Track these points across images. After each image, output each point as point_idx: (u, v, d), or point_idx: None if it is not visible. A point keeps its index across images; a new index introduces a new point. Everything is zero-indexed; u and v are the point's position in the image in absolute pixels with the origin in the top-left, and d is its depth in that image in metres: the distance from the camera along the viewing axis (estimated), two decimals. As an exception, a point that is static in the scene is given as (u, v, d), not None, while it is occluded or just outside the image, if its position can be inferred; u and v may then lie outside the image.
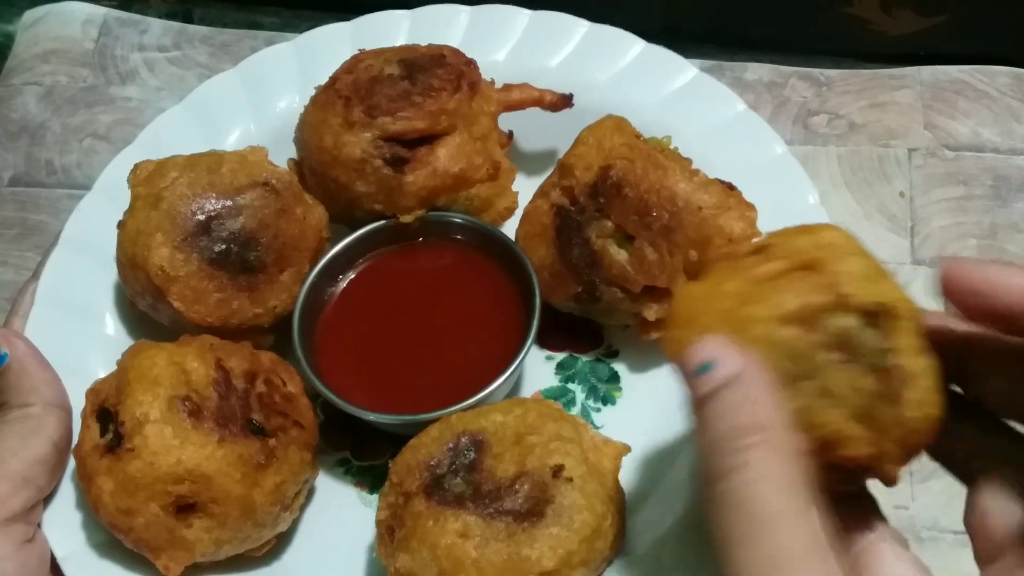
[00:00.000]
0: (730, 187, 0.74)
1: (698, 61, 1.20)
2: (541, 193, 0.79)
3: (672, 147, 0.78)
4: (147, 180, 0.79)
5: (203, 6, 1.29)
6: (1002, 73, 1.18)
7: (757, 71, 1.19)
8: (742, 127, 0.83)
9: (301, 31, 1.24)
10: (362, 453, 0.79)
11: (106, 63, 1.23)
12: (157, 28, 1.25)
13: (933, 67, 1.19)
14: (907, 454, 0.53)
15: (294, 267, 0.78)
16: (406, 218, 0.79)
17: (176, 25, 1.26)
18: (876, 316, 0.53)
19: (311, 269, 0.79)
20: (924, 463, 0.94)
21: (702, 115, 0.84)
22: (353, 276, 0.80)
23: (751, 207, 0.73)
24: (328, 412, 0.76)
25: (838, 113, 1.16)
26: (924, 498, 0.93)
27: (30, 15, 1.27)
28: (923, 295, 1.04)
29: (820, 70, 1.20)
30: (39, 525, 0.71)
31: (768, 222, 0.71)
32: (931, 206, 1.10)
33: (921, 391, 0.52)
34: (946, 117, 1.16)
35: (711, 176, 0.75)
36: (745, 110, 0.83)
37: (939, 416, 0.52)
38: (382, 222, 0.79)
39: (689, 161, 0.76)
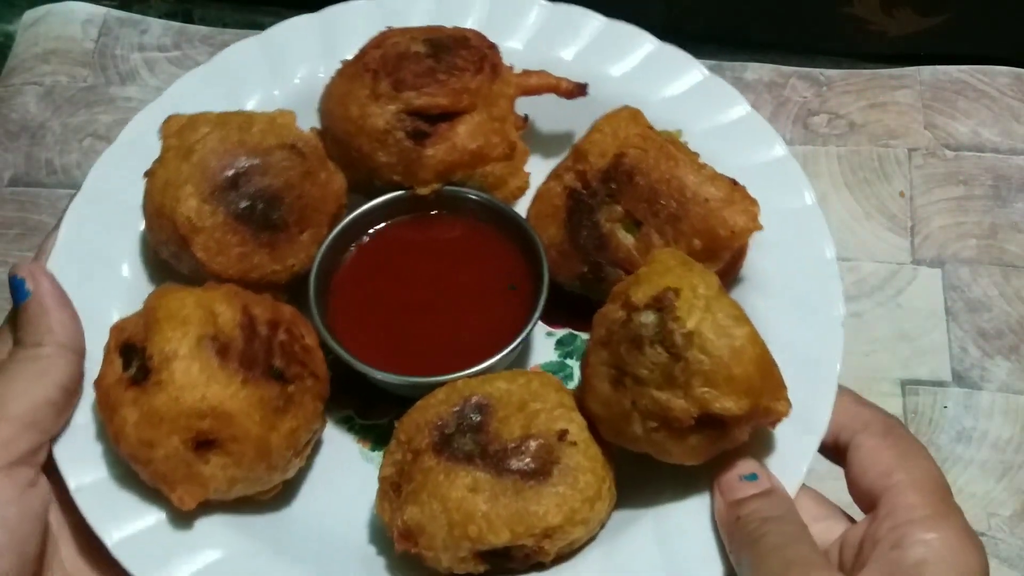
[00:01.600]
0: (735, 183, 0.77)
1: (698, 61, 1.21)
2: (555, 176, 0.82)
3: (683, 140, 0.81)
4: (178, 133, 0.80)
5: (203, 6, 1.29)
6: (1002, 73, 1.18)
7: (757, 71, 1.19)
8: (746, 127, 0.85)
9: (301, 31, 1.26)
10: (367, 412, 0.80)
11: (106, 63, 1.23)
12: (157, 28, 1.25)
13: (933, 67, 1.19)
14: (736, 392, 0.64)
15: (313, 228, 0.80)
16: (423, 190, 0.81)
17: (176, 25, 1.26)
18: (659, 306, 0.64)
19: (329, 231, 0.80)
20: (924, 463, 0.95)
21: (709, 114, 0.86)
22: (368, 241, 0.82)
23: (754, 202, 0.75)
24: (336, 370, 0.76)
25: (838, 113, 1.16)
26: (924, 498, 0.93)
27: (30, 15, 1.27)
28: (923, 295, 1.05)
29: (820, 70, 1.20)
30: (43, 468, 0.70)
31: (766, 220, 0.75)
32: (931, 206, 1.10)
33: (700, 339, 0.63)
34: (946, 117, 1.16)
35: (715, 167, 0.78)
36: (751, 112, 0.86)
37: (731, 346, 0.63)
38: (399, 192, 0.82)
39: (697, 155, 0.79)
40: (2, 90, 1.21)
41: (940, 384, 0.99)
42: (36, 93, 1.20)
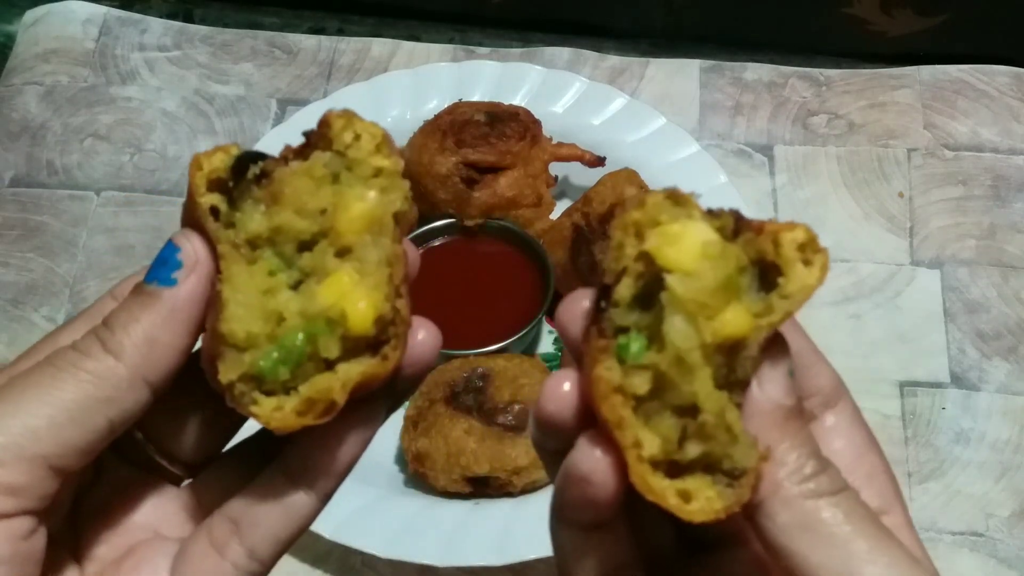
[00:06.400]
0: None
1: (698, 61, 1.21)
2: (567, 213, 1.05)
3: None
4: None
5: (203, 6, 1.30)
6: (1002, 73, 1.18)
7: (757, 71, 1.19)
8: (722, 194, 1.04)
9: (301, 31, 1.26)
10: None
11: (106, 63, 1.23)
12: (157, 28, 1.25)
13: (933, 67, 1.19)
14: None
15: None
16: (469, 222, 1.06)
17: (176, 25, 1.26)
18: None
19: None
20: (922, 464, 0.95)
21: (692, 182, 1.01)
22: (425, 249, 1.06)
23: None
24: None
25: (838, 113, 1.16)
26: (922, 499, 0.93)
27: (31, 15, 1.27)
28: (922, 296, 1.05)
29: (820, 70, 1.20)
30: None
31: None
32: (930, 206, 1.10)
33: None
34: (946, 117, 1.16)
35: None
36: (726, 182, 1.06)
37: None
38: (453, 220, 1.07)
39: None
40: (2, 90, 1.21)
41: (938, 385, 0.99)
42: (36, 93, 1.20)
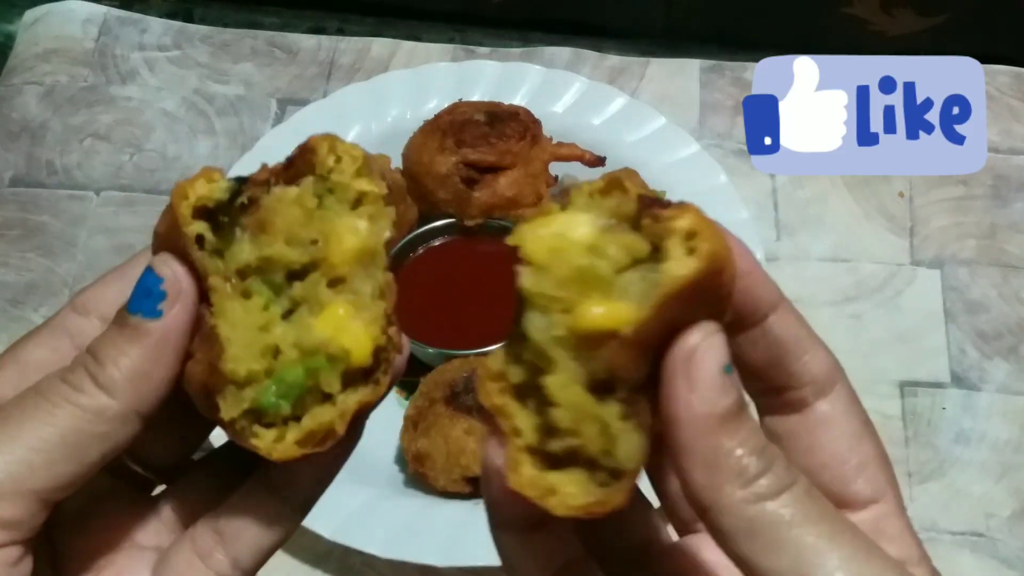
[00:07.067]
0: None
1: (698, 61, 1.21)
2: None
3: (666, 199, 0.97)
4: None
5: (203, 6, 1.30)
6: (1002, 73, 1.18)
7: (757, 71, 1.19)
8: (722, 194, 1.06)
9: (301, 31, 1.26)
10: (406, 371, 1.00)
11: (106, 62, 1.23)
12: (157, 27, 1.25)
13: (933, 67, 1.19)
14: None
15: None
16: (469, 222, 1.05)
17: (176, 24, 1.26)
18: None
19: (397, 242, 0.99)
20: (922, 464, 0.95)
21: (692, 182, 1.07)
22: (424, 252, 1.07)
23: None
24: None
25: (838, 113, 1.16)
26: (922, 499, 0.93)
27: (31, 14, 1.27)
28: (922, 296, 1.05)
29: (820, 70, 1.20)
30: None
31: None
32: (930, 206, 1.10)
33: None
34: (946, 117, 1.16)
35: None
36: (726, 182, 1.07)
37: None
38: (452, 220, 1.06)
39: None
40: (2, 90, 1.21)
41: (939, 385, 0.99)
42: (36, 93, 1.20)
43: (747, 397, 0.41)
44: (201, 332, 0.41)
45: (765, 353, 0.42)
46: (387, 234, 0.43)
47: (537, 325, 0.37)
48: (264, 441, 0.40)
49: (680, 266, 0.35)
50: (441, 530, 0.88)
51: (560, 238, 0.37)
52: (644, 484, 0.44)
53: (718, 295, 0.37)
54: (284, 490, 0.44)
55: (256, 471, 0.44)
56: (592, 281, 0.37)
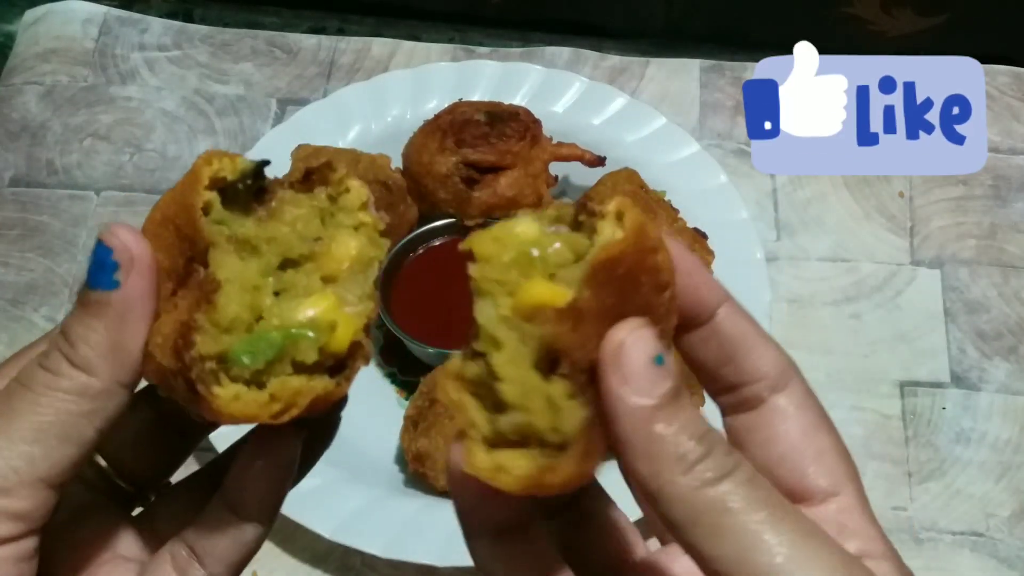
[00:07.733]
0: (703, 236, 0.98)
1: (698, 61, 1.21)
2: None
3: (667, 199, 1.03)
4: (305, 158, 0.96)
5: (203, 6, 1.30)
6: (1002, 73, 1.18)
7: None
8: (722, 194, 1.07)
9: (301, 31, 1.26)
10: (406, 371, 1.04)
11: (106, 62, 1.23)
12: (157, 27, 1.25)
13: (933, 67, 1.19)
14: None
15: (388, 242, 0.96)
16: (469, 221, 1.05)
17: (176, 24, 1.26)
18: None
19: (397, 242, 1.04)
20: (922, 464, 0.95)
21: (692, 182, 1.08)
22: (423, 253, 1.07)
23: (709, 252, 0.98)
24: (389, 339, 1.03)
25: (838, 113, 1.16)
26: (922, 499, 0.93)
27: (31, 14, 1.27)
28: (922, 296, 1.05)
29: (820, 70, 1.20)
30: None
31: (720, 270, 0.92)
32: (930, 206, 1.10)
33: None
34: (946, 117, 1.16)
35: (689, 223, 1.00)
36: (726, 182, 1.07)
37: None
38: (452, 220, 1.06)
39: (677, 211, 1.01)
40: (2, 90, 1.21)
41: (939, 385, 0.99)
42: (36, 93, 1.20)
43: (709, 398, 0.44)
44: (183, 286, 0.42)
45: (716, 351, 0.42)
46: (378, 264, 0.45)
47: (485, 311, 0.39)
48: (225, 392, 0.40)
49: (608, 236, 0.37)
50: (441, 530, 0.88)
51: (505, 233, 0.39)
52: (627, 499, 0.45)
53: (655, 282, 0.39)
54: (238, 506, 0.45)
55: (218, 491, 0.45)
56: (535, 266, 0.39)
